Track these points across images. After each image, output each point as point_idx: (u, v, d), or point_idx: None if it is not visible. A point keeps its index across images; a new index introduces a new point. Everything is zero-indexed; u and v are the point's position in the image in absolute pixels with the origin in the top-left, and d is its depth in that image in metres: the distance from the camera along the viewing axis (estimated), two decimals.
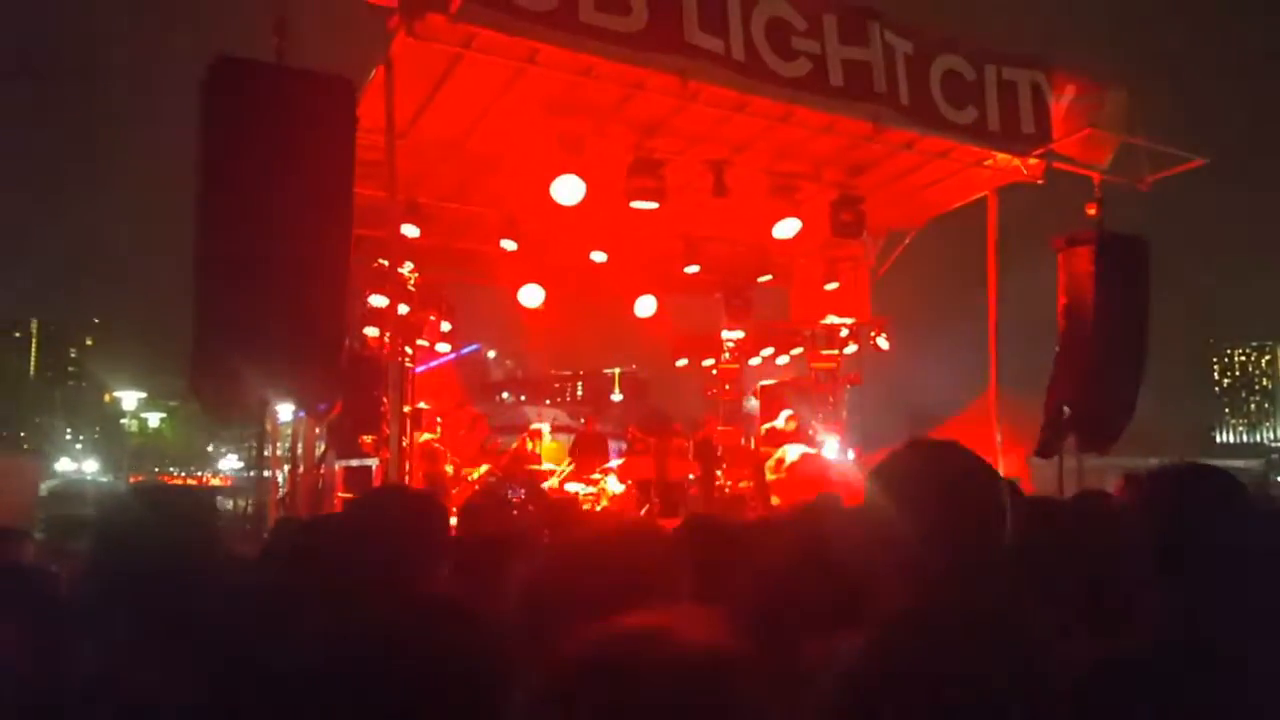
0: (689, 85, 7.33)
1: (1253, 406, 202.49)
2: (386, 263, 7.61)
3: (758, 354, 13.37)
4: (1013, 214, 9.98)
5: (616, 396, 29.73)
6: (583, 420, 11.11)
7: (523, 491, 8.44)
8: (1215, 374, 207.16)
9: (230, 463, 68.45)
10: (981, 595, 1.55)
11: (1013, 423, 9.90)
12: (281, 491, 9.20)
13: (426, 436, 9.31)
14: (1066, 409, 8.88)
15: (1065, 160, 8.94)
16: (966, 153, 8.87)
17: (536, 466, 10.12)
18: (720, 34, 6.76)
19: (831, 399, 12.39)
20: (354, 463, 7.94)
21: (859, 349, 12.00)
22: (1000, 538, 1.75)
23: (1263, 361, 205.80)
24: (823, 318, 12.24)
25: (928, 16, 8.72)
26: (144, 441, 66.77)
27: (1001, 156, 8.88)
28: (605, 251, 10.60)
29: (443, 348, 10.39)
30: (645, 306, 12.13)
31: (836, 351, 12.17)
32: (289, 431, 9.59)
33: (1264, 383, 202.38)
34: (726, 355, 13.49)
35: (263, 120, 5.41)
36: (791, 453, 10.70)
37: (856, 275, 11.72)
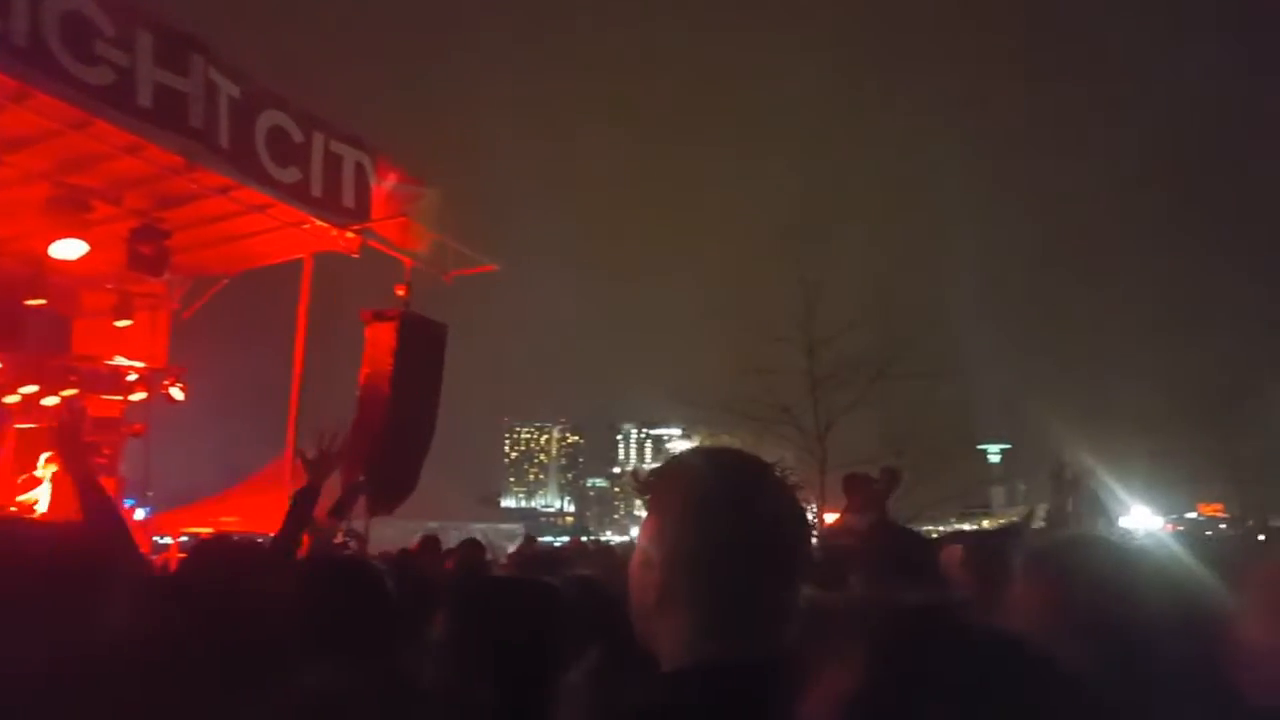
0: None
1: (531, 477, 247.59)
2: None
3: (16, 391, 10.91)
4: (349, 277, 10.17)
5: None
6: None
7: None
8: (506, 448, 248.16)
9: None
10: None
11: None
12: None
13: None
14: (361, 475, 9.25)
15: (381, 241, 9.53)
16: (286, 212, 8.78)
17: None
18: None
19: (108, 450, 10.75)
20: None
21: (149, 396, 10.73)
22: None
23: (542, 439, 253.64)
24: (110, 357, 10.66)
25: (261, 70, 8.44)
26: None
27: (320, 224, 9.04)
28: None
29: None
30: None
31: (121, 398, 10.68)
32: None
33: (541, 457, 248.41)
34: None
35: None
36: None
37: (155, 316, 10.57)
